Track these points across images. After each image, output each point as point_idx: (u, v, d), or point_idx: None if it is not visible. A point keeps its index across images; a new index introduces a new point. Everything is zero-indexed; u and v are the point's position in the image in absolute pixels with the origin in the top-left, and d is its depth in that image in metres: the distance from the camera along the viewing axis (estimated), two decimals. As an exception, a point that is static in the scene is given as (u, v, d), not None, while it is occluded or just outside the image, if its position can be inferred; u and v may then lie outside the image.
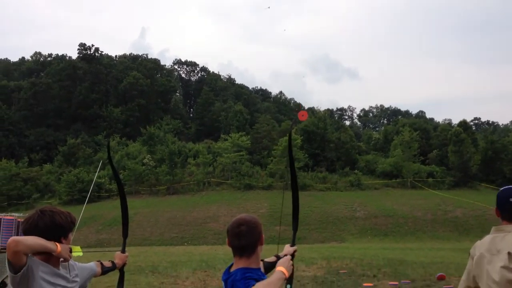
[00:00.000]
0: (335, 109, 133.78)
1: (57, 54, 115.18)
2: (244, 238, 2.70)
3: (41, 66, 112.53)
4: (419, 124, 76.89)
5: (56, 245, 2.73)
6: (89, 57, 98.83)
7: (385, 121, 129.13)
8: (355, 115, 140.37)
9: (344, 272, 15.76)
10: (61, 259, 2.86)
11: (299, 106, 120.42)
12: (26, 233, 2.79)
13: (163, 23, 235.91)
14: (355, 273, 15.55)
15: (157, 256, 24.77)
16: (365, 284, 13.20)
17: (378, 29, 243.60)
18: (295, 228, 3.34)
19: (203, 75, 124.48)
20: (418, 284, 13.12)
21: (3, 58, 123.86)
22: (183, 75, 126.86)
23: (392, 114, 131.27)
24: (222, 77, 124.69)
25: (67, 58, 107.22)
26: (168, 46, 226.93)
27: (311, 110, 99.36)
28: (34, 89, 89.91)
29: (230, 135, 65.35)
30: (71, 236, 2.95)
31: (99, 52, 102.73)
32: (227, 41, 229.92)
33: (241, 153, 61.29)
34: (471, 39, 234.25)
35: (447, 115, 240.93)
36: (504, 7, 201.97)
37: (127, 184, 56.98)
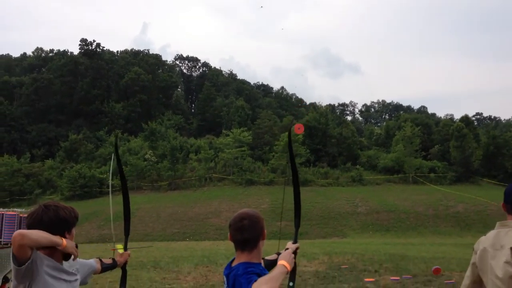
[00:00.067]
0: (336, 104, 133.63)
1: (59, 50, 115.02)
2: (246, 232, 2.70)
3: (42, 61, 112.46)
4: (421, 119, 76.81)
5: (62, 239, 2.74)
6: (91, 52, 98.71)
7: (387, 116, 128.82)
8: (356, 110, 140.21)
9: (346, 267, 15.78)
10: (72, 257, 2.85)
11: (300, 102, 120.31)
12: (30, 227, 2.79)
13: (165, 18, 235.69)
14: (357, 268, 15.56)
15: (159, 251, 24.83)
16: (366, 279, 13.20)
17: (380, 24, 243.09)
18: (297, 225, 3.33)
19: (205, 70, 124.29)
20: (419, 279, 13.12)
21: (4, 54, 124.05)
22: (184, 71, 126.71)
23: (394, 109, 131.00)
24: (223, 72, 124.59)
25: (69, 53, 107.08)
26: (169, 41, 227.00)
27: (313, 106, 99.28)
28: (36, 85, 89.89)
29: (231, 130, 65.32)
30: (74, 232, 2.96)
31: (101, 48, 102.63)
32: (228, 36, 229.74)
33: (243, 148, 61.30)
34: (473, 34, 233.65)
35: (449, 110, 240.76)
36: (506, 2, 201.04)
37: (129, 179, 57.06)
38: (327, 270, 15.10)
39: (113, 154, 4.04)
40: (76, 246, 2.88)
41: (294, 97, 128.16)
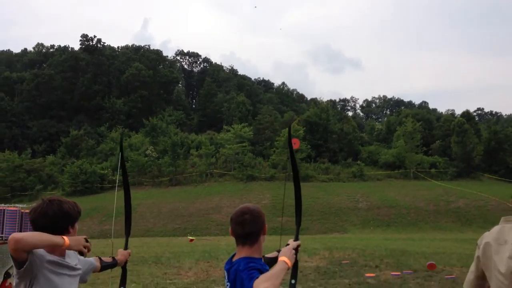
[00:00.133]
0: (337, 99, 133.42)
1: (60, 45, 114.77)
2: (248, 227, 2.71)
3: (43, 57, 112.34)
4: (422, 114, 76.69)
5: (64, 239, 2.70)
6: (92, 48, 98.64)
7: (388, 112, 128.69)
8: (357, 105, 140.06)
9: (347, 262, 15.80)
10: (80, 254, 2.84)
11: (302, 97, 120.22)
12: (34, 222, 2.79)
13: (165, 14, 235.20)
14: (357, 263, 15.58)
15: (160, 247, 24.86)
16: (367, 275, 13.23)
17: (380, 19, 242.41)
18: (298, 223, 3.34)
19: (206, 66, 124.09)
20: (420, 275, 13.14)
21: (5, 50, 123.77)
22: (185, 66, 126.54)
23: (395, 105, 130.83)
24: (224, 68, 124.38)
25: (70, 49, 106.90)
26: (170, 37, 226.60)
27: (314, 101, 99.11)
28: (37, 81, 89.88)
29: (232, 126, 65.30)
30: (77, 226, 2.96)
31: (102, 43, 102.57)
32: (229, 31, 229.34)
33: (244, 144, 61.29)
34: (475, 28, 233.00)
35: (450, 106, 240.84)
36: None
37: (130, 175, 57.03)
38: (328, 266, 15.12)
39: (119, 155, 4.06)
40: (87, 241, 2.87)
41: (295, 92, 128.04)
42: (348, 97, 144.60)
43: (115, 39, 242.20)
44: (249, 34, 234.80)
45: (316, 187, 51.19)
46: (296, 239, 3.10)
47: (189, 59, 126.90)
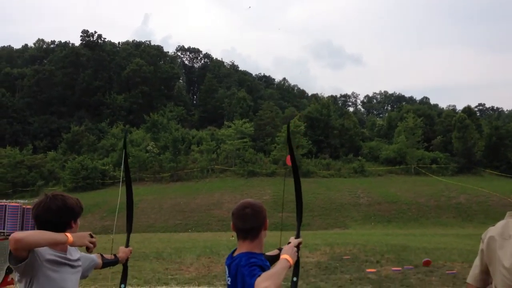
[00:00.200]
0: (338, 95, 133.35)
1: (60, 41, 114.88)
2: (249, 221, 2.71)
3: (44, 53, 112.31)
4: (423, 110, 76.66)
5: (66, 236, 2.68)
6: (92, 44, 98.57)
7: (389, 108, 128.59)
8: (358, 101, 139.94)
9: (348, 258, 15.82)
10: (88, 250, 2.84)
11: (302, 93, 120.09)
12: (37, 217, 2.79)
13: (166, 9, 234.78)
14: (358, 259, 15.61)
15: (162, 242, 24.92)
16: (368, 270, 13.26)
17: (382, 15, 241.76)
18: (299, 220, 3.33)
19: (206, 61, 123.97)
20: (421, 270, 13.16)
21: (6, 45, 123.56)
22: (186, 62, 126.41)
23: (396, 100, 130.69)
24: (225, 63, 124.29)
25: (70, 45, 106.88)
26: (171, 32, 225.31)
27: (315, 97, 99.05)
28: (38, 76, 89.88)
29: (233, 122, 65.28)
30: (79, 222, 2.96)
31: (102, 39, 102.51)
32: (230, 27, 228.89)
33: (245, 140, 61.30)
34: (476, 24, 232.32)
35: (451, 101, 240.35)
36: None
37: (131, 171, 56.93)
38: (329, 261, 15.16)
39: (123, 152, 4.07)
40: (92, 236, 2.85)
41: (296, 88, 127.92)
42: (349, 93, 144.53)
43: (116, 34, 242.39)
44: (250, 29, 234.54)
45: (317, 182, 51.20)
46: (298, 236, 3.08)
47: (190, 55, 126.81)
